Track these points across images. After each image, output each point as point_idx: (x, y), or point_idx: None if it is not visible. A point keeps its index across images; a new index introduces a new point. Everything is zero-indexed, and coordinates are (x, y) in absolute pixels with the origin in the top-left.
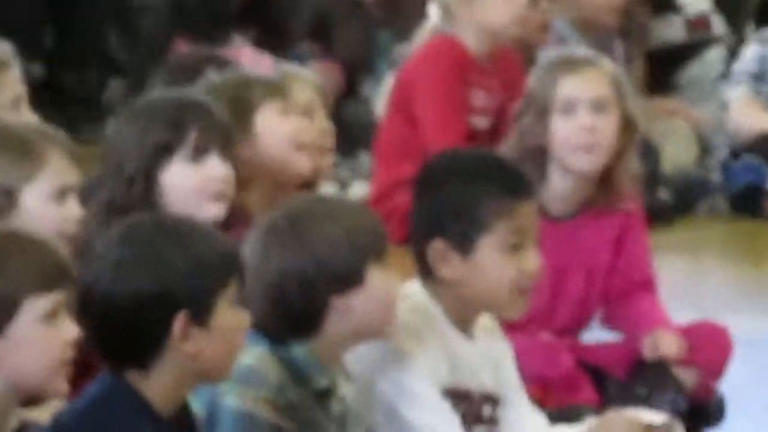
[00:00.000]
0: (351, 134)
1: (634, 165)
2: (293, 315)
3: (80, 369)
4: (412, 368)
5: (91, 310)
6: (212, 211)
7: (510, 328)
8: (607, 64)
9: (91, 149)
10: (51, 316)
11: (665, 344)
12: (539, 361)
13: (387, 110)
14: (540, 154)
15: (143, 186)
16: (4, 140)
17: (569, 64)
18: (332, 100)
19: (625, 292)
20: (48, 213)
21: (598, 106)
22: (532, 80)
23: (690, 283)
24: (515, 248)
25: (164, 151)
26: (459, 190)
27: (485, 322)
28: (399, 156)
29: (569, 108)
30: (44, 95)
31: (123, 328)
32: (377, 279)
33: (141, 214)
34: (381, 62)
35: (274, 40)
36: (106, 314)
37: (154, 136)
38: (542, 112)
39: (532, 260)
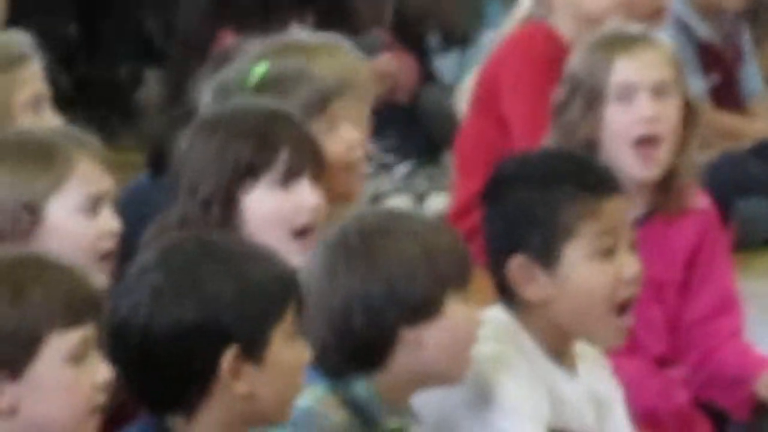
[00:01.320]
0: (429, 134)
1: (695, 160)
2: (357, 347)
3: (113, 416)
4: (507, 407)
5: (125, 346)
6: (297, 247)
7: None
8: (663, 41)
9: (123, 155)
10: (78, 356)
11: None
12: (649, 391)
13: (470, 108)
14: (589, 149)
15: (221, 209)
16: (23, 147)
17: (623, 43)
18: (407, 96)
19: (702, 320)
20: (78, 228)
21: (659, 92)
22: (577, 63)
23: None
24: (607, 252)
25: (248, 172)
26: (534, 195)
27: (585, 350)
28: (483, 162)
29: (627, 94)
30: (69, 93)
31: (164, 367)
32: (457, 311)
33: (182, 233)
34: (474, 36)
35: (338, 27)
36: (144, 350)
37: (237, 152)
38: (593, 100)
39: (629, 264)
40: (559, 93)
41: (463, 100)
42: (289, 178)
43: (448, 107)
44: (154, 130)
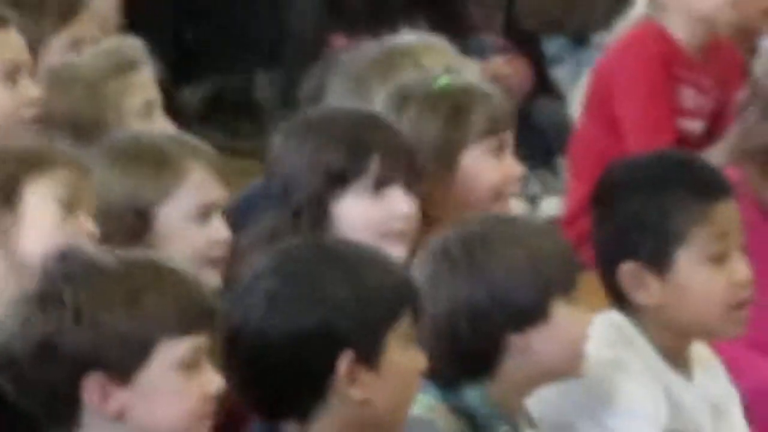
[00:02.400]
0: (542, 139)
1: None
2: (464, 355)
3: (224, 425)
4: (626, 410)
5: (239, 352)
6: (392, 254)
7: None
8: None
9: (247, 162)
10: (190, 364)
11: None
12: None
13: (583, 111)
14: (765, 154)
15: (312, 217)
16: (136, 152)
17: None
18: (520, 100)
19: None
20: (188, 235)
21: None
22: (759, 68)
23: None
24: (719, 257)
25: (340, 179)
26: (644, 201)
27: (701, 353)
28: (597, 166)
29: None
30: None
31: (278, 373)
32: (564, 316)
33: (297, 238)
34: (583, 47)
35: (449, 31)
36: (259, 356)
37: (329, 159)
38: None
39: (741, 269)
40: (742, 95)
41: (576, 104)
42: (380, 185)
43: (563, 114)
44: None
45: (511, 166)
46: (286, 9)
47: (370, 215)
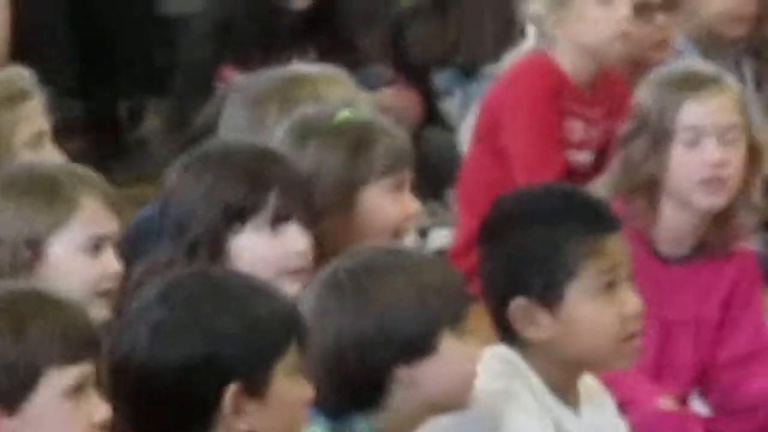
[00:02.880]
0: (431, 171)
1: (756, 200)
2: (351, 386)
3: None
4: None
5: (126, 381)
6: (289, 291)
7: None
8: (732, 83)
9: (122, 191)
10: (76, 392)
11: None
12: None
13: (472, 142)
14: (652, 186)
15: (209, 252)
16: (28, 183)
17: (694, 85)
18: (409, 132)
19: (733, 362)
20: (79, 267)
21: (726, 137)
22: (646, 99)
23: None
24: (608, 289)
25: (238, 215)
26: (534, 236)
27: (589, 386)
28: (486, 198)
29: (694, 138)
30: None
31: (163, 403)
32: (452, 349)
33: (190, 268)
34: (470, 78)
35: (340, 61)
36: (144, 387)
37: (228, 194)
38: (659, 139)
39: (631, 301)
40: (625, 126)
41: (466, 136)
42: (277, 221)
43: (452, 146)
44: (159, 161)
45: (410, 204)
46: (176, 38)
47: (267, 252)
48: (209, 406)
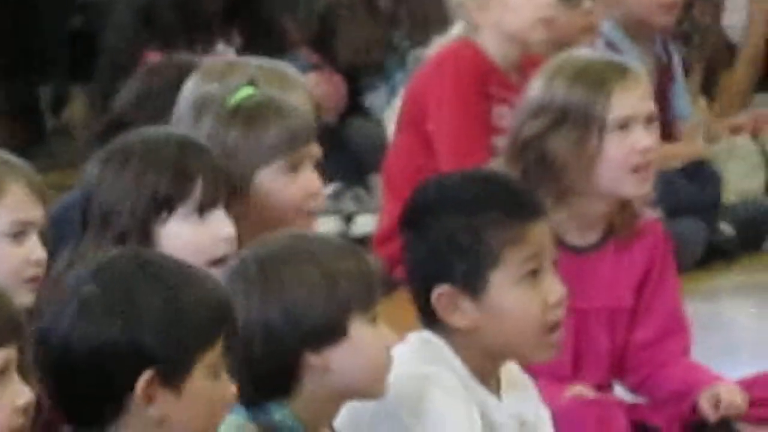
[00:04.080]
0: (356, 157)
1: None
2: (262, 374)
3: None
4: (438, 422)
5: (47, 356)
6: None
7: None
8: (636, 66)
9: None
10: None
11: (728, 399)
12: (589, 422)
13: (397, 127)
14: (563, 175)
15: (137, 242)
16: None
17: (616, 75)
18: (334, 117)
19: (649, 344)
20: (3, 253)
21: (650, 124)
22: (560, 94)
23: (756, 331)
24: (532, 277)
25: (166, 204)
26: (457, 223)
27: (512, 372)
28: (411, 184)
29: (624, 128)
30: None
31: (80, 381)
32: (363, 333)
33: (125, 248)
34: (395, 68)
35: (264, 46)
36: (63, 362)
37: (154, 184)
38: (586, 133)
39: (554, 288)
40: (539, 122)
41: (392, 122)
42: (204, 208)
43: (376, 133)
44: (82, 146)
45: (309, 182)
46: (99, 22)
47: (195, 239)
48: (123, 389)
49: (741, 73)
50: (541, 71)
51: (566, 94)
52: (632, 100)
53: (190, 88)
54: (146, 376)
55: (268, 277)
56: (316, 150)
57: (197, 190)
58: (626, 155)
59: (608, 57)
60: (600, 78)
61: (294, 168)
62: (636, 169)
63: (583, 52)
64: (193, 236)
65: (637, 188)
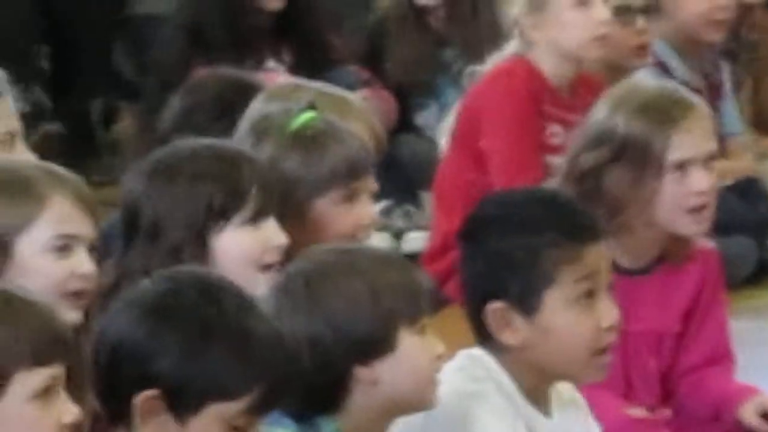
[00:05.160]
0: (407, 174)
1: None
2: (311, 389)
3: None
4: None
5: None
6: (262, 283)
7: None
8: (702, 104)
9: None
10: (44, 395)
11: None
12: None
13: (449, 145)
14: (619, 208)
15: (192, 254)
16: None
17: (676, 115)
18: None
19: (695, 368)
20: (46, 267)
21: (709, 163)
22: (622, 126)
23: None
24: (587, 298)
25: (221, 215)
26: (515, 240)
27: (565, 394)
28: (462, 201)
29: (681, 169)
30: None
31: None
32: (410, 346)
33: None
34: (446, 86)
35: (314, 62)
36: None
37: (208, 194)
38: (644, 171)
39: (608, 311)
40: (599, 153)
41: (443, 139)
42: (257, 217)
43: (427, 149)
44: (130, 163)
45: (363, 215)
46: (148, 40)
47: (249, 247)
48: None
49: None
50: (606, 97)
51: (627, 127)
52: (693, 141)
53: (253, 110)
54: (151, 394)
55: (313, 292)
56: (373, 183)
57: (251, 199)
58: (683, 197)
59: (675, 91)
60: (663, 116)
61: (350, 198)
62: (693, 210)
63: (650, 83)
64: (247, 244)
65: (694, 228)
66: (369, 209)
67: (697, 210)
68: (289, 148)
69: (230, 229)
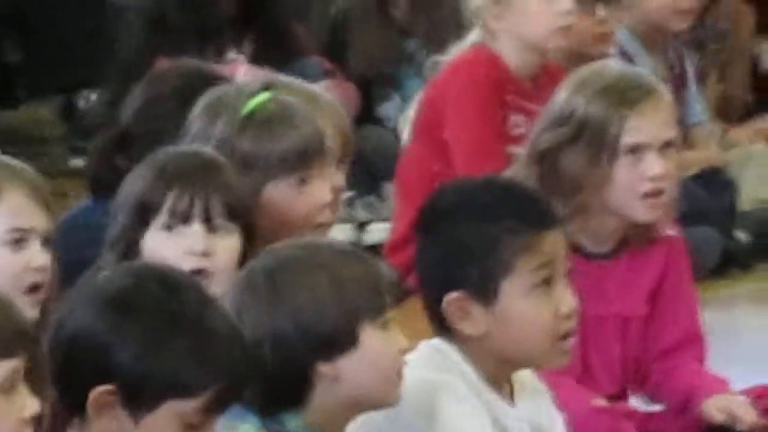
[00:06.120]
0: (370, 166)
1: (674, 194)
2: (273, 384)
3: None
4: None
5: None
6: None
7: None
8: (664, 90)
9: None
10: (6, 388)
11: (738, 409)
12: (601, 430)
13: (412, 134)
14: (576, 190)
15: (122, 250)
16: None
17: (634, 98)
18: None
19: (664, 353)
20: (1, 261)
21: (666, 150)
22: (582, 107)
23: None
24: (545, 286)
25: (143, 214)
26: (472, 230)
27: (528, 382)
28: (424, 192)
29: (636, 153)
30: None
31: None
32: (374, 340)
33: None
34: (409, 77)
35: (276, 53)
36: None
37: (138, 195)
38: (598, 153)
39: (567, 298)
40: (558, 133)
41: (404, 131)
42: (175, 221)
43: (389, 141)
44: (90, 154)
45: (315, 201)
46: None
47: (167, 252)
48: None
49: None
50: (568, 81)
51: (586, 109)
52: (649, 126)
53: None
54: (103, 390)
55: (275, 288)
56: (334, 172)
57: (169, 202)
58: (635, 181)
59: (638, 77)
60: (621, 99)
61: (303, 181)
62: (645, 196)
63: (614, 67)
64: (165, 249)
65: (647, 214)
66: (322, 196)
67: (650, 196)
68: (241, 129)
69: (152, 231)
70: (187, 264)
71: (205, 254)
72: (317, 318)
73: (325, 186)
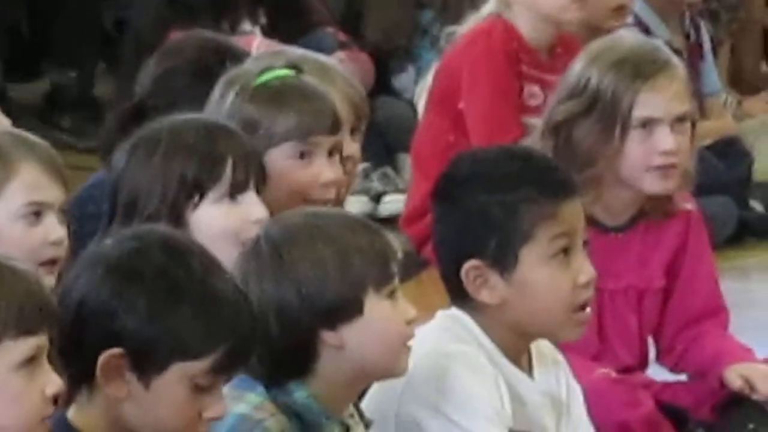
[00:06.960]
0: (385, 137)
1: (691, 168)
2: (279, 354)
3: None
4: (471, 407)
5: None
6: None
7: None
8: (679, 65)
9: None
10: (29, 365)
11: (759, 380)
12: (617, 402)
13: (427, 106)
14: (590, 162)
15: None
16: None
17: (648, 72)
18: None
19: (687, 324)
20: (17, 234)
21: (679, 125)
22: (596, 80)
23: None
24: (563, 255)
25: (196, 188)
26: (491, 199)
27: (547, 353)
28: (440, 162)
29: (647, 127)
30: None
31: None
32: (379, 309)
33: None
34: (424, 49)
35: (291, 25)
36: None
37: (182, 169)
38: (611, 125)
39: (585, 268)
40: (572, 104)
41: (421, 101)
42: (235, 191)
43: (405, 112)
44: (106, 129)
45: (318, 174)
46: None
47: (227, 222)
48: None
49: None
50: (584, 53)
51: (599, 81)
52: (660, 100)
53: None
54: (114, 353)
55: (280, 257)
56: (338, 143)
57: (227, 173)
58: (646, 155)
59: (654, 49)
60: (634, 72)
61: (303, 155)
62: (656, 169)
63: (629, 40)
64: (225, 219)
65: (658, 186)
66: (326, 170)
67: (660, 169)
68: (250, 98)
69: (206, 204)
70: (251, 232)
71: (263, 222)
72: (321, 287)
73: (327, 165)
